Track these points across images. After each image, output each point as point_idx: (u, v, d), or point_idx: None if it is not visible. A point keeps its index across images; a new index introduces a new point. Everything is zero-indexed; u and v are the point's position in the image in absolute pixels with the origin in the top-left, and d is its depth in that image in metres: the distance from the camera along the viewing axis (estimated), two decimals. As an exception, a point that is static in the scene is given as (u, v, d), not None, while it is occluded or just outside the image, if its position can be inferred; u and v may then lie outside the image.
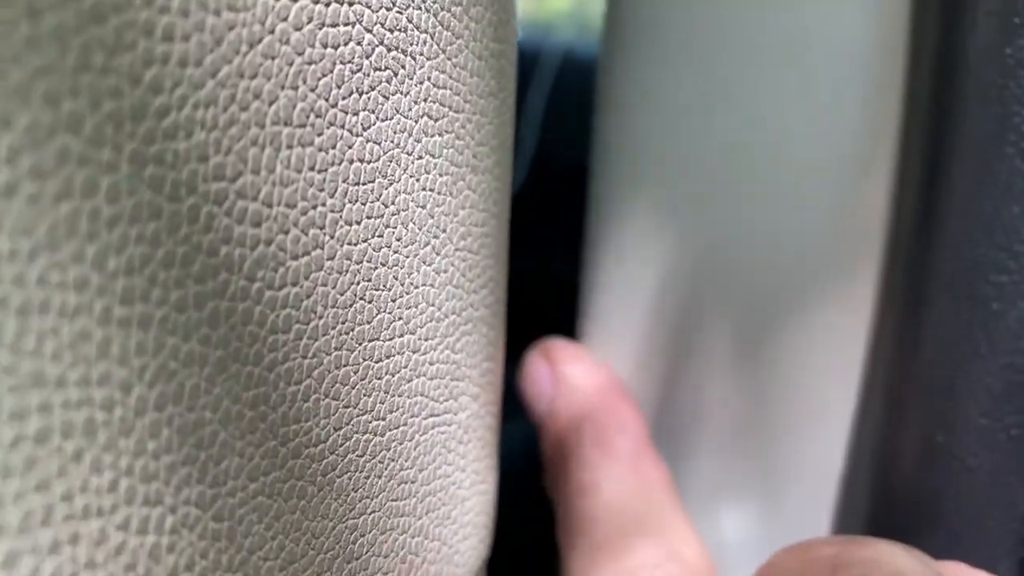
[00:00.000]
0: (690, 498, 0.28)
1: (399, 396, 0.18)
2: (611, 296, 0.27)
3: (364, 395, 0.17)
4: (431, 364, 0.19)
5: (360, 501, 0.17)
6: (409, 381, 0.18)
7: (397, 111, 0.16)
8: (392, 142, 0.16)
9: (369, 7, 0.15)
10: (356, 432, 0.17)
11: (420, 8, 0.16)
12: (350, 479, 0.17)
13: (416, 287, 0.18)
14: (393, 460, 0.18)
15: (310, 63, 0.14)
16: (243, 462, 0.14)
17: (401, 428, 0.18)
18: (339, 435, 0.16)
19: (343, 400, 0.16)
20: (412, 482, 0.19)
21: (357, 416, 0.17)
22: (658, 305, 0.26)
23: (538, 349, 0.27)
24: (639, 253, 0.26)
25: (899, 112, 0.23)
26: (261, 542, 0.15)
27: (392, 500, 0.18)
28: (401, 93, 0.16)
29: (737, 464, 0.27)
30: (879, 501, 0.25)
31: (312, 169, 0.15)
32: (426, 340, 0.18)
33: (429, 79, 0.17)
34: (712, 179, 0.25)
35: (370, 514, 0.18)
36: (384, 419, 0.18)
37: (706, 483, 0.27)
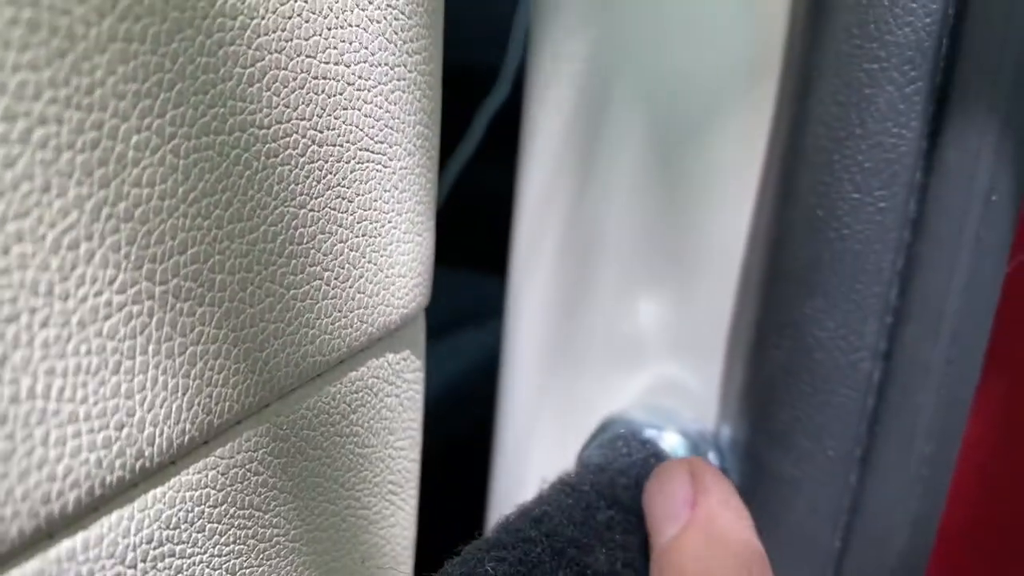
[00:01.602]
0: (608, 289, 0.31)
1: (335, 118, 0.22)
2: (546, 94, 0.30)
3: (303, 103, 0.20)
4: (365, 103, 0.22)
5: (300, 195, 0.21)
6: (345, 109, 0.22)
7: None
8: None
9: None
10: (295, 132, 0.20)
11: None
12: (290, 171, 0.20)
13: (350, 24, 0.21)
14: (331, 173, 0.22)
15: None
16: (196, 114, 0.18)
17: (337, 148, 0.22)
18: (280, 128, 0.20)
19: (283, 99, 0.20)
20: (348, 200, 0.22)
21: (296, 119, 0.20)
22: (585, 105, 0.30)
23: (685, 463, 0.26)
24: (573, 52, 0.30)
25: None
26: (211, 192, 0.19)
27: (330, 208, 0.22)
28: None
29: (649, 254, 0.30)
30: (771, 276, 0.28)
31: None
32: (360, 78, 0.22)
33: None
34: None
35: (310, 210, 0.21)
36: (321, 132, 0.21)
37: (622, 276, 0.31)
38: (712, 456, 0.30)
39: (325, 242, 0.22)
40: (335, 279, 0.23)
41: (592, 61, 0.29)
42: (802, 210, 0.27)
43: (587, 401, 0.32)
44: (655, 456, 0.29)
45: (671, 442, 0.29)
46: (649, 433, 0.29)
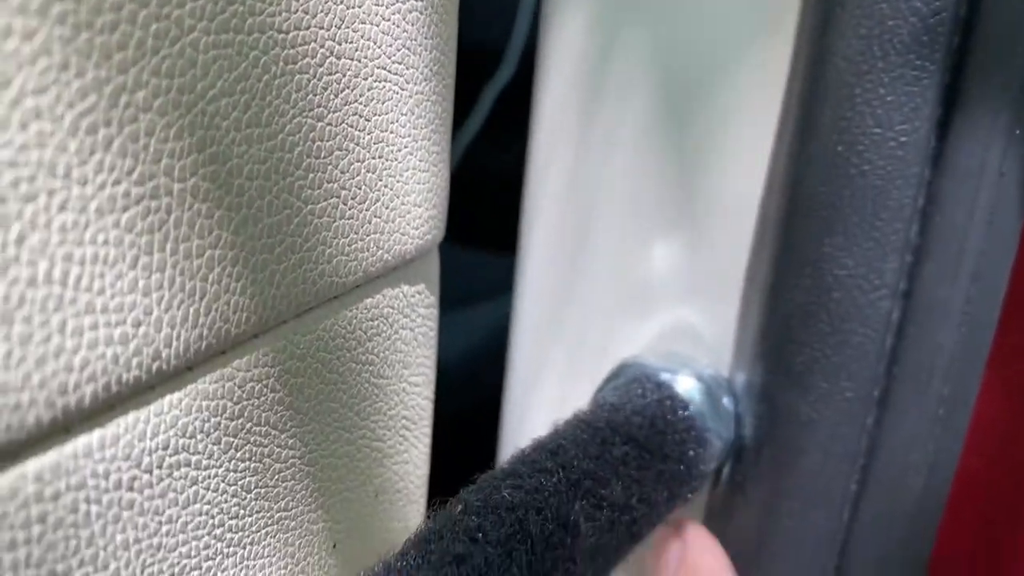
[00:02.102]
0: (622, 236, 0.31)
1: (353, 31, 0.21)
2: (560, 50, 0.30)
3: (321, 11, 0.20)
4: (383, 19, 0.22)
5: (318, 107, 0.21)
6: (363, 23, 0.21)
7: None
8: None
9: None
10: (314, 41, 0.20)
11: None
12: (308, 81, 0.20)
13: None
14: (348, 88, 0.21)
15: None
16: (215, 9, 0.17)
17: (355, 62, 0.21)
18: (299, 35, 0.20)
19: (302, 4, 0.19)
20: (366, 119, 0.22)
21: (315, 27, 0.20)
22: (598, 43, 0.29)
23: (673, 527, 0.29)
24: (587, 13, 0.29)
25: None
26: (230, 91, 0.18)
27: (347, 124, 0.22)
28: None
29: (664, 200, 0.30)
30: (789, 215, 0.28)
31: None
32: (378, -8, 0.22)
33: None
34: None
35: (327, 124, 0.21)
36: (339, 44, 0.21)
37: (636, 220, 0.30)
38: (726, 401, 0.29)
39: (342, 159, 0.22)
40: (352, 199, 0.22)
41: (609, 9, 0.29)
42: (822, 146, 0.26)
43: (600, 347, 0.31)
44: (670, 398, 0.28)
45: (686, 385, 0.29)
46: (664, 376, 0.29)
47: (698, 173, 0.30)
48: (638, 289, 0.31)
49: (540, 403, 0.34)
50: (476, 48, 0.69)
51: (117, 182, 0.16)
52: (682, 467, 0.27)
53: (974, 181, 0.26)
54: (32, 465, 0.16)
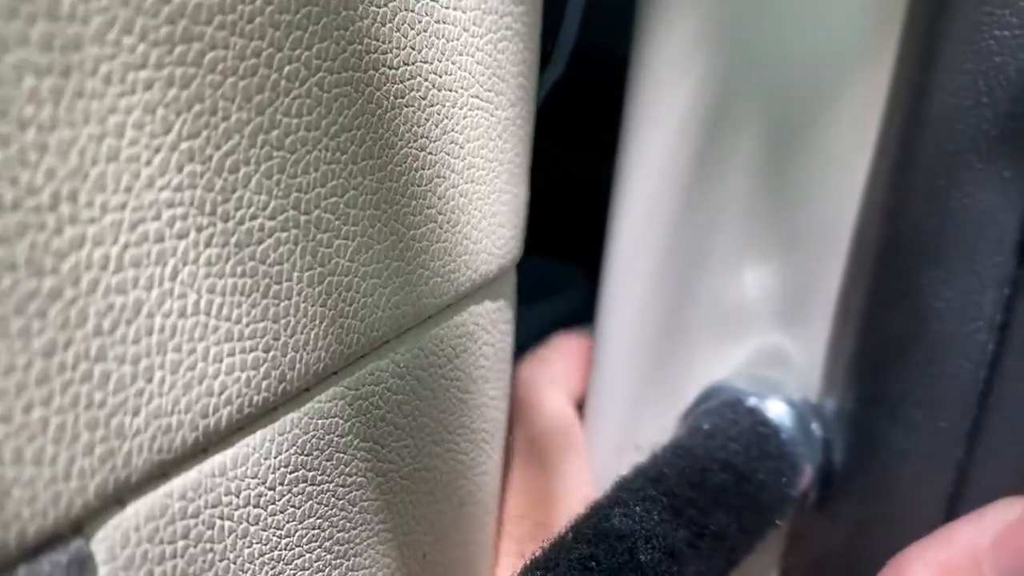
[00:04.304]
0: (716, 260, 0.31)
1: (451, 63, 0.22)
2: (659, 72, 0.30)
3: (426, 47, 0.21)
4: (477, 50, 0.23)
5: (421, 137, 0.21)
6: (460, 55, 0.22)
7: None
8: None
9: None
10: (419, 75, 0.21)
11: None
12: (413, 113, 0.21)
13: (467, -28, 0.22)
14: (447, 118, 0.22)
15: None
16: (338, 49, 0.18)
17: (452, 93, 0.22)
18: (406, 70, 0.20)
19: (410, 40, 0.20)
20: (460, 146, 0.23)
21: (420, 62, 0.21)
22: (699, 77, 0.30)
23: None
24: (687, 28, 0.29)
25: None
26: (348, 127, 0.19)
27: (444, 152, 0.22)
28: None
29: (758, 225, 0.30)
30: (888, 246, 0.27)
31: None
32: (474, 25, 0.23)
33: None
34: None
35: (428, 153, 0.22)
36: (440, 76, 0.22)
37: (730, 245, 0.30)
38: (815, 427, 0.30)
39: (440, 186, 0.23)
40: (447, 223, 0.23)
41: (709, 36, 0.29)
42: (923, 179, 0.26)
43: (689, 371, 0.31)
44: (762, 424, 0.29)
45: (776, 411, 0.29)
46: (754, 402, 0.29)
47: (793, 200, 0.29)
48: (731, 313, 0.31)
49: (629, 420, 0.34)
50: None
51: (254, 217, 0.17)
52: (776, 494, 0.28)
53: None
54: (178, 483, 0.17)
